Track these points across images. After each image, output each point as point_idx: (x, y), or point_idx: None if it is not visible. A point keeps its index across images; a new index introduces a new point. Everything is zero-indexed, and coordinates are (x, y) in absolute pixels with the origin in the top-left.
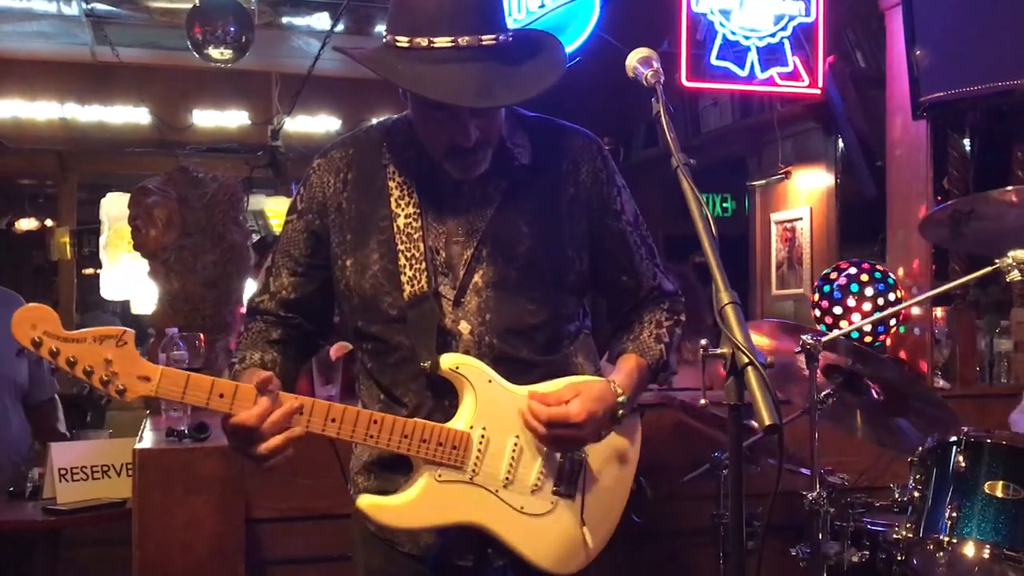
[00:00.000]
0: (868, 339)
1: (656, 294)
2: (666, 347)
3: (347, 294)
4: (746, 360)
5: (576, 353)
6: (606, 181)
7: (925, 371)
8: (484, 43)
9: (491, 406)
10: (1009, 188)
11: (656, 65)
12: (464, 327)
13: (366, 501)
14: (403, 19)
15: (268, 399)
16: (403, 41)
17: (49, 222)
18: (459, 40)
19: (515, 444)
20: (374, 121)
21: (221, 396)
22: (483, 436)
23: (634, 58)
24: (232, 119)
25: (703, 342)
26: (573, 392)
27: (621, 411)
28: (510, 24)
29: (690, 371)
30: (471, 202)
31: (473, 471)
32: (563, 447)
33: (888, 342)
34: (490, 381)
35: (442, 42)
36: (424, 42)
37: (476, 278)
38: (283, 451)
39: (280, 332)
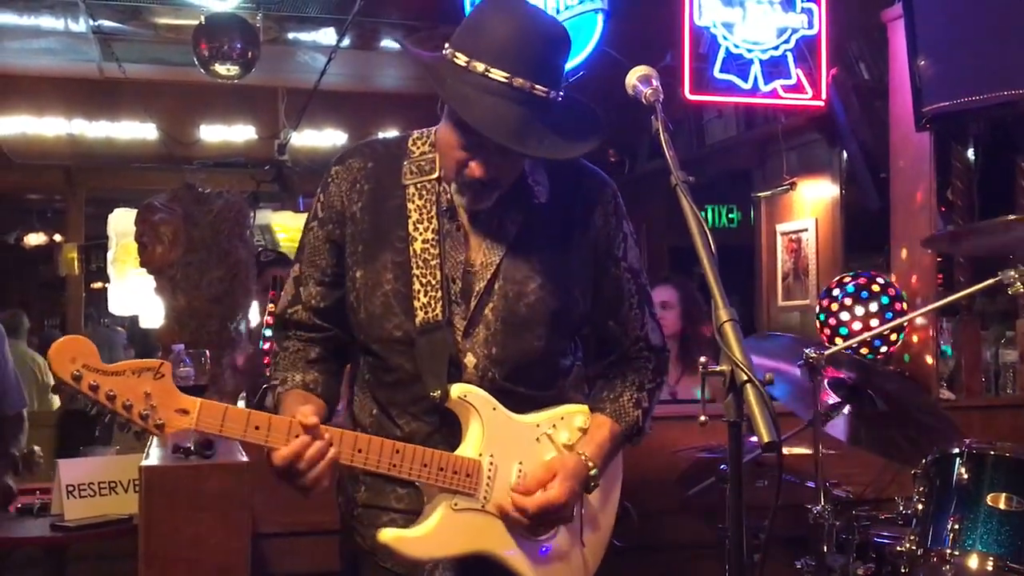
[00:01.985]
0: (874, 350)
1: (642, 346)
2: (643, 412)
3: (355, 306)
4: (745, 377)
5: (569, 387)
6: (615, 226)
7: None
8: (536, 92)
9: (497, 433)
10: (1010, 217)
11: (655, 83)
12: (470, 360)
13: (389, 535)
14: (469, 39)
15: (306, 434)
16: (461, 59)
17: (57, 237)
18: (514, 80)
19: (519, 470)
20: (380, 135)
21: (257, 428)
22: (491, 463)
23: (633, 76)
24: (239, 134)
25: (703, 359)
26: (551, 474)
27: (593, 483)
28: None
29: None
30: (487, 235)
31: (484, 498)
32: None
33: (892, 353)
34: (495, 409)
35: (497, 74)
36: (480, 67)
37: (487, 311)
38: (325, 480)
39: (318, 350)
